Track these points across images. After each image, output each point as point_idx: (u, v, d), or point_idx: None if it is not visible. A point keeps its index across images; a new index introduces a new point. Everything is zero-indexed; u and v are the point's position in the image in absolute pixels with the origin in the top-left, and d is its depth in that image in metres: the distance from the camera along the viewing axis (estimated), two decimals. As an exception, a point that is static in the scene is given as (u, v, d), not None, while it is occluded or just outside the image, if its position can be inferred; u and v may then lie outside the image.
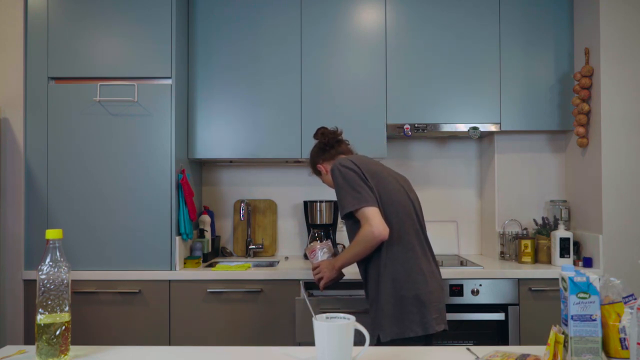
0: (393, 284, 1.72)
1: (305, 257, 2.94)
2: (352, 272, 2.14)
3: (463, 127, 2.77)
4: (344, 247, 2.99)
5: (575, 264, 2.63)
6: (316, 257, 1.94)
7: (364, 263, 1.81)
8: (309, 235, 2.99)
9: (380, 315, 1.73)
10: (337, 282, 1.96)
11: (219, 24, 2.77)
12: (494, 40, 2.78)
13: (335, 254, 2.00)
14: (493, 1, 2.78)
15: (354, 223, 1.78)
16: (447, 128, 2.78)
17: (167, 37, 2.52)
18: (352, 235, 1.82)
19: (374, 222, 1.67)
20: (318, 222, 2.93)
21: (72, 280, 2.31)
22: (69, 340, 1.16)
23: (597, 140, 2.57)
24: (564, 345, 1.05)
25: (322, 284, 1.91)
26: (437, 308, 1.74)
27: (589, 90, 2.63)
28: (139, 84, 2.50)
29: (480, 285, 2.45)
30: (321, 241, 2.04)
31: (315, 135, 2.08)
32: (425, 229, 1.88)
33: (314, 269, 1.95)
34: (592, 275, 1.05)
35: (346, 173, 1.77)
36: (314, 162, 2.09)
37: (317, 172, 2.11)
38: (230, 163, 3.07)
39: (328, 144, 2.03)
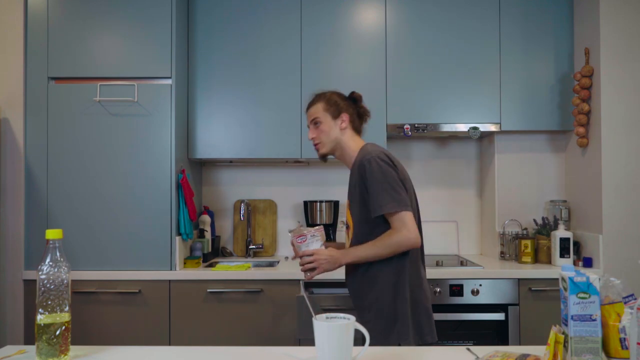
0: (411, 291, 1.69)
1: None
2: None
3: (463, 127, 2.77)
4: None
5: (575, 264, 2.63)
6: (307, 243, 1.71)
7: (376, 265, 1.69)
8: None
9: (394, 320, 1.67)
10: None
11: (219, 24, 2.77)
12: (494, 40, 2.78)
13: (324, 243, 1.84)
14: (493, 1, 2.78)
15: (377, 224, 1.68)
16: (447, 128, 2.78)
17: (167, 37, 2.52)
18: (367, 236, 1.69)
19: (412, 229, 1.62)
20: (318, 222, 2.93)
21: (72, 280, 2.30)
22: (69, 340, 1.16)
23: (597, 140, 2.57)
24: (564, 345, 1.04)
25: (313, 274, 1.70)
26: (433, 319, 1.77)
27: (589, 90, 2.63)
28: (139, 84, 2.50)
29: (480, 285, 2.45)
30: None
31: (353, 93, 1.88)
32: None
33: (302, 255, 1.70)
34: (592, 275, 1.05)
35: (387, 170, 1.66)
36: (337, 105, 1.82)
37: (326, 112, 1.81)
38: (230, 163, 3.07)
39: (359, 114, 1.86)
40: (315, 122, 1.84)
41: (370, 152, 1.70)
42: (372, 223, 1.69)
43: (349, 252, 1.69)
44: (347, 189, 2.01)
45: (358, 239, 1.73)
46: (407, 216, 1.63)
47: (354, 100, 1.87)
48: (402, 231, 1.62)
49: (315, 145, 1.85)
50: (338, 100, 1.83)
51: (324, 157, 1.87)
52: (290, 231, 1.78)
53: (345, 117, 1.82)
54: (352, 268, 1.76)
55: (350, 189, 1.79)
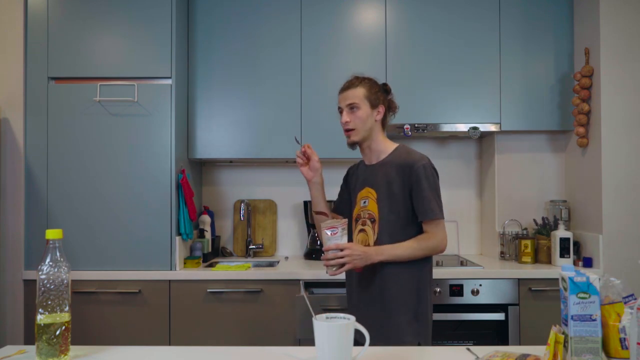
0: (431, 293, 1.77)
1: (306, 257, 2.93)
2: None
3: (463, 127, 2.77)
4: None
5: (575, 264, 2.63)
6: (337, 236, 1.61)
7: (401, 264, 1.69)
8: (308, 235, 2.99)
9: (415, 320, 1.70)
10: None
11: (219, 24, 2.76)
12: (494, 40, 2.78)
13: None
14: (493, 1, 2.78)
15: (411, 224, 1.72)
16: (447, 128, 2.78)
17: (167, 37, 2.52)
18: (397, 232, 1.70)
19: (446, 236, 1.72)
20: (318, 222, 2.93)
21: (72, 280, 2.30)
22: (69, 340, 1.16)
23: (597, 140, 2.57)
24: (564, 345, 1.05)
25: (341, 270, 1.63)
26: None
27: (589, 90, 2.63)
28: (139, 84, 2.50)
29: (480, 285, 2.45)
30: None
31: (385, 85, 1.87)
32: None
33: (332, 249, 1.61)
34: (592, 275, 1.05)
35: (436, 178, 1.74)
36: (377, 95, 1.80)
37: (366, 99, 1.78)
38: (230, 163, 3.07)
39: (389, 107, 1.87)
40: (352, 107, 1.79)
41: (422, 157, 1.74)
42: (406, 221, 1.72)
43: (383, 251, 1.67)
44: None
45: (387, 233, 1.71)
46: (444, 224, 1.73)
47: (386, 92, 1.86)
48: (439, 236, 1.70)
49: (348, 131, 1.79)
50: (378, 91, 1.82)
51: (353, 146, 1.83)
52: (322, 223, 1.65)
53: (382, 109, 1.81)
54: (372, 265, 1.69)
55: (382, 182, 1.74)
